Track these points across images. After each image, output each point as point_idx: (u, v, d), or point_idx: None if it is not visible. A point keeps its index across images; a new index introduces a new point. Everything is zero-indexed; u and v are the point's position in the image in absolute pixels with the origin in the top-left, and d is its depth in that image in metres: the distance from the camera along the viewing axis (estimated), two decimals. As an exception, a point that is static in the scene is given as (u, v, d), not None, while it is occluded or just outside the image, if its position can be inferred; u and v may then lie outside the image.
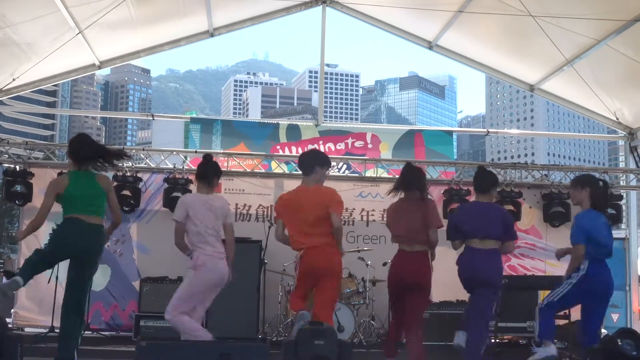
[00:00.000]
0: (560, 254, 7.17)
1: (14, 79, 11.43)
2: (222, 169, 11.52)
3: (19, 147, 12.29)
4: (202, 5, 11.41)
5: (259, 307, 10.32)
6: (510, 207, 11.43)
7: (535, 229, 11.58)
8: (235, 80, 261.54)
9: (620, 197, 12.03)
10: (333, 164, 12.02)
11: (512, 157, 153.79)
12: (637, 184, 12.66)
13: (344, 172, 12.15)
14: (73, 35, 10.68)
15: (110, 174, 11.30)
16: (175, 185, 11.17)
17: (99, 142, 6.51)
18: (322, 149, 12.58)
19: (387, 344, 7.04)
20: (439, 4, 11.26)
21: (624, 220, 12.97)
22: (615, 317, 12.40)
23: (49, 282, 10.49)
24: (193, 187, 11.30)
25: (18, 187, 11.16)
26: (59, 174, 11.17)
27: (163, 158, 11.96)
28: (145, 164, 11.99)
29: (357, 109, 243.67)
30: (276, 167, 12.05)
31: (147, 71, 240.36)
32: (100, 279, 11.10)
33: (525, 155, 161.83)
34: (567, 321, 9.40)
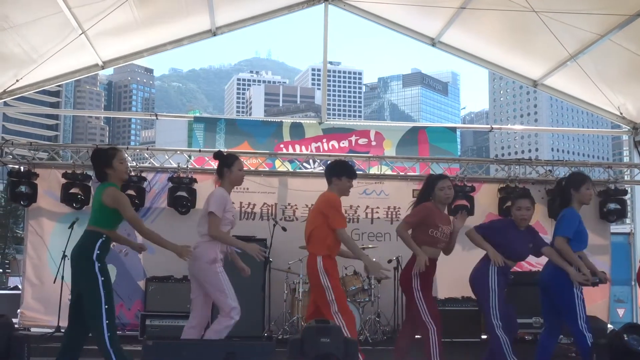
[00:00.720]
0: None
1: (17, 80, 11.44)
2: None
3: (24, 147, 12.31)
4: (204, 4, 11.40)
5: (264, 306, 10.34)
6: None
7: (540, 225, 11.53)
8: (238, 79, 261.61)
9: (625, 192, 12.01)
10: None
11: (516, 153, 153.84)
12: (642, 178, 12.65)
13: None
14: (76, 36, 10.68)
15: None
16: (179, 185, 11.19)
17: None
18: (325, 147, 12.61)
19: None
20: (442, 1, 11.25)
21: (629, 215, 12.94)
22: (621, 312, 12.40)
23: (54, 282, 10.57)
24: (197, 185, 11.35)
25: (23, 188, 11.18)
26: (64, 174, 11.22)
27: (167, 157, 11.97)
28: (150, 163, 12.01)
29: (360, 107, 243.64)
30: (280, 166, 12.06)
31: (150, 71, 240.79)
32: (106, 278, 11.12)
33: (529, 151, 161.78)
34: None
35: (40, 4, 9.81)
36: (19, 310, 11.21)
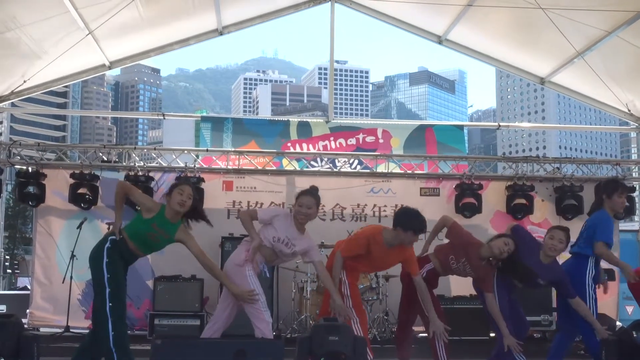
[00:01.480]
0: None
1: (25, 81, 11.47)
2: (234, 167, 11.64)
3: (31, 148, 12.35)
4: (210, 3, 11.41)
5: (273, 305, 10.34)
6: (523, 201, 11.43)
7: (548, 222, 11.51)
8: (245, 79, 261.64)
9: (633, 189, 11.99)
10: (344, 159, 12.04)
11: (523, 150, 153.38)
12: (650, 175, 12.61)
13: (355, 168, 12.13)
14: (83, 36, 10.71)
15: (122, 174, 11.38)
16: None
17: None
18: (333, 145, 12.61)
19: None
20: (448, -2, 11.25)
21: (637, 212, 12.90)
22: (630, 309, 12.35)
23: (63, 282, 10.61)
24: (205, 185, 11.36)
25: (31, 188, 11.21)
26: (72, 174, 11.25)
27: (174, 157, 11.99)
28: (157, 163, 12.04)
29: (367, 105, 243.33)
30: (287, 165, 12.06)
31: (157, 71, 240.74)
32: (115, 278, 11.14)
33: (537, 148, 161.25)
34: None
35: (47, 4, 9.83)
36: (28, 310, 11.24)
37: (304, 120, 13.26)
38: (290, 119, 13.39)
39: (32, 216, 13.84)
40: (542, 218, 11.80)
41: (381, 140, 12.78)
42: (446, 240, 7.14)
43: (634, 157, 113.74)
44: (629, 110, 12.43)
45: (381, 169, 12.03)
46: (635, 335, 6.26)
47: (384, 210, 11.76)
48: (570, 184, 11.65)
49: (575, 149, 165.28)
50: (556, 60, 12.09)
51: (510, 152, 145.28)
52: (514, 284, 6.81)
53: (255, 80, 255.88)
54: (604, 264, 7.65)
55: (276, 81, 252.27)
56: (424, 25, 12.85)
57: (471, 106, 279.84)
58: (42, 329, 10.89)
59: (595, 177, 12.04)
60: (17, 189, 11.61)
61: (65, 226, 11.43)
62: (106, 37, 11.21)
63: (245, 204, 11.55)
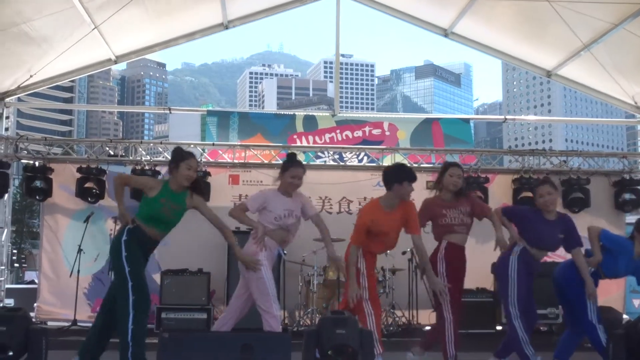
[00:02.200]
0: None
1: (31, 76, 11.50)
2: (240, 161, 11.65)
3: (38, 143, 12.39)
4: (216, -3, 11.44)
5: (280, 298, 10.33)
6: (529, 194, 11.40)
7: (555, 215, 11.50)
8: (251, 73, 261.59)
9: (640, 182, 11.96)
10: (350, 153, 12.04)
11: (529, 143, 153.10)
12: (657, 168, 12.58)
13: (361, 161, 12.13)
14: (89, 31, 10.72)
15: (128, 168, 11.41)
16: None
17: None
18: (339, 137, 12.60)
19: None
20: (454, -9, 11.23)
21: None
22: (636, 302, 12.35)
23: (70, 275, 10.65)
24: (211, 179, 11.38)
25: (38, 183, 11.25)
26: (78, 169, 11.28)
27: (181, 151, 11.99)
28: (163, 157, 12.05)
29: (372, 99, 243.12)
30: (294, 158, 12.06)
31: (163, 65, 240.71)
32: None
33: (543, 141, 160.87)
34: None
35: (53, -2, 9.86)
36: (35, 304, 11.29)
37: (310, 114, 13.25)
38: (296, 113, 13.39)
39: (39, 210, 13.86)
40: (549, 212, 11.78)
41: (387, 133, 12.77)
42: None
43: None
44: (636, 103, 12.41)
45: (387, 162, 12.02)
46: (642, 328, 6.25)
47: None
48: (577, 177, 11.63)
49: (582, 142, 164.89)
50: (562, 53, 12.06)
51: (516, 145, 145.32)
52: (532, 268, 6.76)
53: (261, 74, 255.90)
54: None
55: (282, 75, 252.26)
56: (430, 19, 12.83)
57: (477, 99, 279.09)
58: (49, 323, 10.94)
59: (602, 170, 12.04)
60: (24, 184, 11.64)
61: (72, 220, 11.47)
62: (112, 31, 11.22)
63: (252, 198, 11.56)
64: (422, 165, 11.94)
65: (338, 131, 12.71)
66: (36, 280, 12.79)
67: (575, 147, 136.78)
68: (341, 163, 11.94)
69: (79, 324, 10.45)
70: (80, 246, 10.60)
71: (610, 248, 6.79)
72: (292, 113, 13.58)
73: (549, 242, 6.76)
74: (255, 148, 11.95)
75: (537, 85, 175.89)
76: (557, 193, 6.88)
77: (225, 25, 12.50)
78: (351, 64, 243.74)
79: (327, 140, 12.58)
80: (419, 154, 12.19)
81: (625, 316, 10.95)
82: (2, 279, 12.10)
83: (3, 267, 12.11)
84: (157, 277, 11.08)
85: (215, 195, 11.37)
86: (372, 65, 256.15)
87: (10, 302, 12.33)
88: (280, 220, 6.43)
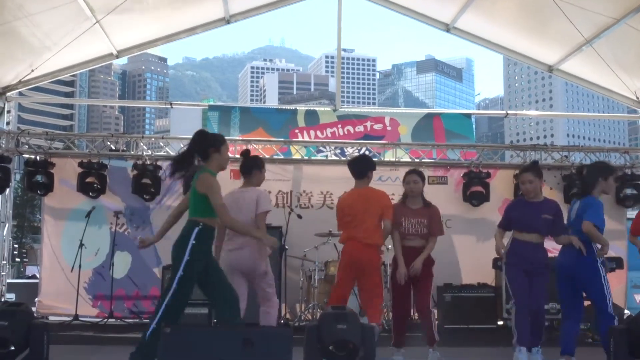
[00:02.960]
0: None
1: (32, 70, 11.49)
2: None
3: (39, 137, 12.39)
4: (218, -8, 11.42)
5: (281, 293, 10.35)
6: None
7: (556, 211, 11.50)
8: (252, 67, 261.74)
9: (643, 177, 11.94)
10: (352, 148, 12.03)
11: (531, 138, 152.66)
12: (659, 163, 12.56)
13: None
14: (90, 25, 10.71)
15: (130, 162, 11.41)
16: (194, 173, 11.19)
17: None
18: (341, 132, 12.59)
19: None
20: (456, -14, 11.22)
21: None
22: (638, 297, 12.36)
23: (72, 270, 10.65)
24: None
25: (39, 177, 11.24)
26: (80, 163, 11.27)
27: (182, 146, 11.97)
28: (165, 152, 12.04)
29: (374, 94, 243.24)
30: (295, 152, 12.06)
31: (164, 59, 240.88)
32: (121, 266, 11.21)
33: (545, 136, 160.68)
34: (589, 302, 9.34)
35: (55, -7, 9.86)
36: (36, 299, 11.30)
37: (312, 108, 13.24)
38: (297, 108, 13.38)
39: (40, 205, 13.88)
40: (550, 206, 11.78)
41: (389, 128, 12.76)
42: None
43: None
44: (638, 98, 12.38)
45: (389, 156, 12.03)
46: (643, 323, 6.24)
47: (392, 199, 11.66)
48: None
49: (583, 137, 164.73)
50: (564, 48, 12.04)
51: (518, 141, 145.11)
52: (524, 258, 6.82)
53: (262, 68, 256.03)
54: (611, 252, 7.68)
55: (283, 70, 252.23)
56: (432, 13, 12.81)
57: (478, 94, 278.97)
58: (50, 317, 10.94)
59: (604, 166, 12.01)
60: (25, 178, 11.63)
61: (73, 215, 11.45)
62: (113, 26, 11.21)
63: (253, 193, 11.57)
64: (423, 160, 11.94)
65: (339, 126, 12.69)
66: (37, 275, 12.80)
67: (577, 142, 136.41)
68: (343, 158, 11.92)
69: (80, 318, 10.45)
70: (81, 241, 10.59)
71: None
72: (293, 108, 13.58)
73: (533, 223, 6.86)
74: (256, 143, 11.93)
75: (539, 80, 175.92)
76: (539, 179, 7.00)
77: (226, 20, 12.49)
78: (353, 59, 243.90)
79: (329, 135, 12.57)
80: (420, 149, 12.18)
81: (626, 311, 10.94)
82: (4, 273, 12.11)
83: (4, 262, 12.12)
84: (157, 271, 11.10)
85: (216, 190, 11.38)
86: (374, 60, 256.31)
87: (11, 296, 12.36)
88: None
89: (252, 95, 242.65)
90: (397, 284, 7.03)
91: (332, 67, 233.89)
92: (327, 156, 12.03)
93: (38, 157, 11.49)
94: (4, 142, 11.71)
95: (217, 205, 5.90)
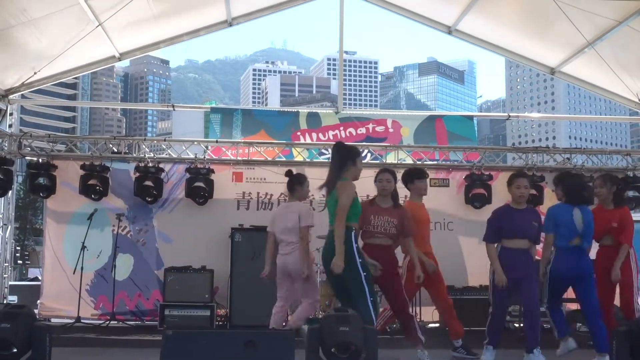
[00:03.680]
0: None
1: (35, 73, 11.50)
2: (243, 158, 11.65)
3: (42, 140, 12.39)
4: (220, -6, 11.43)
5: (283, 295, 10.35)
6: (533, 192, 11.40)
7: (558, 213, 11.49)
8: (254, 70, 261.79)
9: (646, 179, 11.93)
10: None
11: (533, 141, 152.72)
12: (661, 165, 12.54)
13: (365, 158, 12.11)
14: (93, 28, 10.72)
15: (132, 165, 11.42)
16: (197, 175, 11.23)
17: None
18: (343, 135, 12.58)
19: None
20: (458, -12, 11.21)
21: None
22: (640, 300, 12.30)
23: (74, 272, 10.66)
24: (214, 176, 11.40)
25: (42, 180, 11.25)
26: (82, 166, 11.28)
27: (184, 148, 12.00)
28: (167, 154, 12.05)
29: (376, 96, 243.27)
30: (297, 155, 12.06)
31: (166, 62, 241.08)
32: (123, 268, 11.21)
33: (547, 139, 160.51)
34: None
35: (57, -4, 9.87)
36: (39, 301, 11.30)
37: (314, 110, 13.24)
38: (299, 110, 13.38)
39: (42, 207, 13.87)
40: (550, 207, 11.78)
41: (391, 130, 12.75)
42: None
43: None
44: (640, 100, 12.39)
45: (391, 158, 12.01)
46: (646, 326, 6.24)
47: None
48: (581, 174, 11.61)
49: (586, 139, 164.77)
50: (566, 50, 12.04)
51: (520, 143, 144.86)
52: (516, 269, 6.90)
53: (264, 71, 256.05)
54: None
55: (285, 72, 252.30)
56: (434, 16, 12.80)
57: (480, 96, 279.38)
58: (53, 320, 10.94)
59: (606, 168, 12.01)
60: (27, 180, 11.66)
61: (75, 217, 11.46)
62: (116, 28, 11.22)
63: (255, 195, 11.59)
64: (425, 163, 11.93)
65: (341, 128, 12.69)
66: (39, 277, 12.81)
67: (579, 145, 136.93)
68: (345, 160, 11.92)
69: (82, 320, 10.46)
70: (83, 243, 10.61)
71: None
72: (295, 110, 13.57)
73: (525, 230, 7.02)
74: (258, 145, 11.94)
75: (541, 82, 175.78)
76: (530, 188, 7.46)
77: (229, 23, 12.49)
78: (355, 61, 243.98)
79: (331, 137, 12.56)
80: (422, 151, 12.18)
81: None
82: (6, 275, 12.11)
83: (6, 264, 12.11)
84: (159, 274, 11.11)
85: (218, 192, 11.41)
86: (376, 62, 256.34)
87: (13, 299, 12.36)
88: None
89: (254, 98, 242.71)
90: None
91: (334, 69, 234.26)
92: (329, 158, 12.01)
93: (40, 160, 11.49)
94: (6, 144, 11.73)
95: (341, 205, 6.34)
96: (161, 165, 11.52)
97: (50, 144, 12.10)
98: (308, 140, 12.49)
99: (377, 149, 12.15)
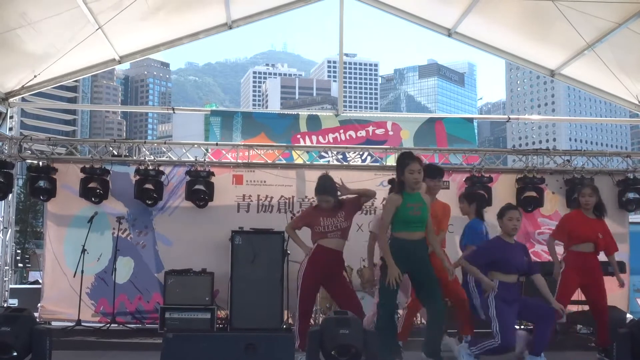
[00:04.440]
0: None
1: (35, 76, 11.50)
2: (243, 161, 11.66)
3: (42, 143, 12.39)
4: (220, -3, 11.43)
5: (283, 298, 10.36)
6: (533, 194, 11.41)
7: (558, 215, 11.47)
8: (254, 72, 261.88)
9: (645, 181, 11.93)
10: (354, 153, 12.04)
11: (533, 143, 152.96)
12: (661, 167, 12.54)
13: (365, 161, 12.12)
14: (93, 31, 10.73)
15: (132, 168, 11.42)
16: (197, 178, 11.22)
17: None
18: (342, 137, 12.61)
19: None
20: (457, -9, 11.22)
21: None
22: (640, 302, 12.33)
23: (74, 275, 10.66)
24: (215, 179, 11.39)
25: (42, 183, 11.25)
26: (82, 169, 11.28)
27: (184, 151, 12.00)
28: (167, 157, 12.04)
29: (376, 98, 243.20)
30: (297, 158, 12.06)
31: (167, 65, 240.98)
32: (124, 271, 11.21)
33: (547, 141, 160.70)
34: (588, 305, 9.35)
35: (57, -1, 9.88)
36: (39, 305, 11.29)
37: (314, 113, 13.24)
38: (299, 113, 13.39)
39: (42, 210, 13.88)
40: (552, 210, 11.78)
41: (391, 133, 12.76)
42: None
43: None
44: (640, 102, 12.39)
45: (391, 161, 12.01)
46: (646, 328, 6.25)
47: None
48: (581, 176, 11.61)
49: (586, 141, 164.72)
50: (566, 53, 12.04)
51: (520, 145, 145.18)
52: (513, 293, 6.89)
53: (265, 73, 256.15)
54: (602, 257, 7.89)
55: (285, 75, 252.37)
56: (433, 18, 12.80)
57: (481, 99, 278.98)
58: (53, 323, 10.95)
59: (606, 170, 12.02)
60: (28, 184, 11.65)
61: (75, 220, 11.46)
62: (116, 31, 11.22)
63: (255, 198, 11.58)
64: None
65: (341, 131, 12.70)
66: (40, 281, 12.81)
67: (579, 147, 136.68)
68: (345, 163, 11.93)
69: (82, 324, 10.46)
70: (84, 246, 10.60)
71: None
72: (295, 113, 13.57)
73: (520, 266, 6.98)
74: (258, 148, 11.94)
75: (541, 84, 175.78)
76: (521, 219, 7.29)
77: (229, 25, 12.49)
78: (355, 64, 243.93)
79: (331, 140, 12.57)
80: (422, 154, 12.15)
81: (629, 315, 10.93)
82: (6, 279, 12.10)
83: (7, 267, 12.11)
84: (159, 277, 11.11)
85: (218, 195, 11.39)
86: (376, 65, 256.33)
87: (14, 302, 12.35)
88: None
89: (254, 100, 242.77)
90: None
91: (335, 71, 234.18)
92: (329, 161, 12.02)
93: (40, 163, 11.49)
94: (6, 147, 11.73)
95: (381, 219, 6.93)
96: (161, 168, 11.51)
97: (51, 147, 12.10)
98: (308, 143, 12.50)
99: (377, 151, 12.14)
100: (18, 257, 20.08)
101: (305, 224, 8.02)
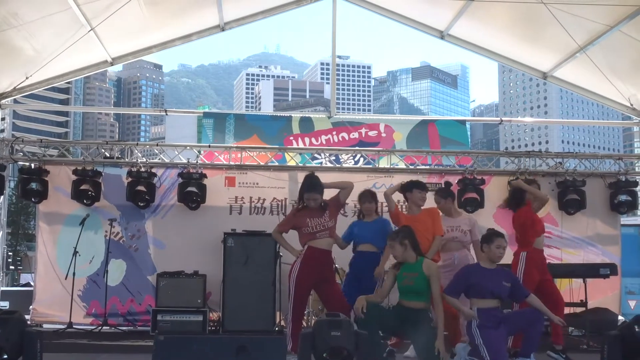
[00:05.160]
0: None
1: (27, 77, 11.47)
2: (236, 162, 11.65)
3: (34, 145, 12.36)
4: (212, -1, 11.42)
5: (275, 300, 10.35)
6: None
7: (550, 217, 11.52)
8: (247, 74, 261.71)
9: (636, 184, 11.95)
10: (346, 155, 12.05)
11: (526, 145, 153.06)
12: (653, 170, 12.59)
13: (357, 163, 12.12)
14: (85, 33, 10.71)
15: (124, 170, 11.40)
16: (189, 180, 11.21)
17: None
18: (335, 139, 12.62)
19: None
20: (450, -7, 11.23)
21: (640, 207, 12.89)
22: (632, 303, 12.36)
23: (66, 278, 10.63)
24: (207, 181, 11.38)
25: (34, 185, 11.22)
26: (74, 171, 11.26)
27: (177, 153, 11.98)
28: (159, 159, 12.02)
29: (369, 100, 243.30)
30: (290, 160, 12.06)
31: (159, 67, 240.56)
32: (116, 273, 11.18)
33: (540, 143, 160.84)
34: (583, 309, 9.37)
35: (49, 0, 9.84)
36: (31, 307, 11.25)
37: (306, 115, 13.25)
38: (292, 115, 13.39)
39: (34, 212, 13.84)
40: (544, 213, 11.72)
41: (384, 135, 12.76)
42: None
43: (637, 151, 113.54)
44: (632, 105, 12.41)
45: (383, 163, 12.02)
46: (637, 330, 6.26)
47: (387, 206, 11.71)
48: (573, 179, 11.64)
49: (578, 144, 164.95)
50: (558, 55, 12.07)
51: (512, 147, 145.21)
52: (497, 317, 6.81)
53: (258, 75, 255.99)
54: (605, 258, 7.86)
55: (278, 77, 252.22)
56: (426, 21, 12.83)
57: (473, 101, 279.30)
58: (44, 325, 10.91)
59: (598, 172, 12.04)
60: (19, 186, 11.60)
61: (67, 222, 11.43)
62: (108, 33, 11.21)
63: (248, 200, 11.58)
64: (418, 167, 11.94)
65: (334, 133, 12.70)
66: (32, 283, 12.76)
67: (572, 149, 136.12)
68: (337, 165, 11.93)
69: (74, 326, 10.43)
70: (75, 248, 10.58)
71: None
72: (288, 115, 13.57)
73: (495, 291, 6.79)
74: (251, 150, 11.94)
75: (534, 87, 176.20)
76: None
77: (221, 27, 12.49)
78: (348, 66, 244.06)
79: (323, 142, 12.57)
80: (415, 156, 12.18)
81: (620, 317, 10.96)
82: (-2, 281, 12.07)
83: (-2, 270, 12.08)
84: (152, 279, 11.09)
85: (211, 197, 11.38)
86: (369, 67, 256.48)
87: (5, 304, 12.30)
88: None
89: (247, 102, 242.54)
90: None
91: (328, 73, 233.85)
92: (321, 163, 12.02)
93: (32, 165, 11.46)
94: (-2, 149, 11.70)
95: None
96: (154, 170, 11.50)
97: (43, 148, 12.07)
98: (301, 145, 12.51)
99: (369, 153, 12.15)
100: (10, 260, 20.06)
101: (292, 226, 7.93)
